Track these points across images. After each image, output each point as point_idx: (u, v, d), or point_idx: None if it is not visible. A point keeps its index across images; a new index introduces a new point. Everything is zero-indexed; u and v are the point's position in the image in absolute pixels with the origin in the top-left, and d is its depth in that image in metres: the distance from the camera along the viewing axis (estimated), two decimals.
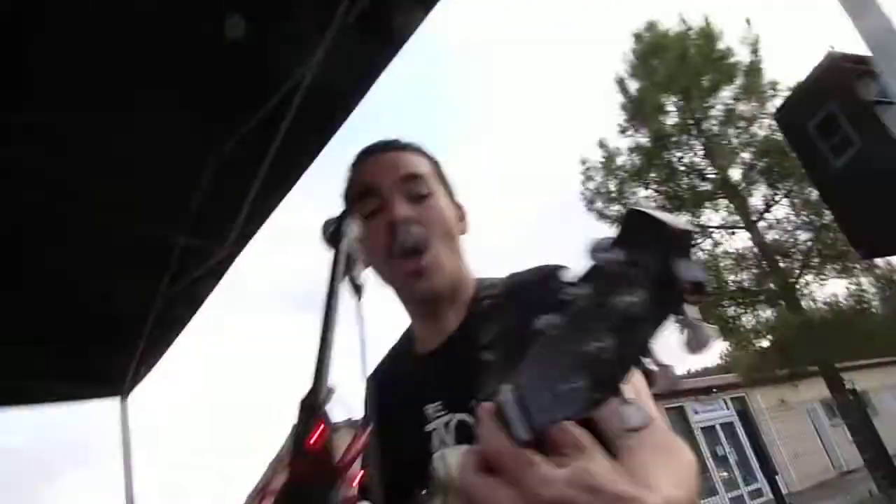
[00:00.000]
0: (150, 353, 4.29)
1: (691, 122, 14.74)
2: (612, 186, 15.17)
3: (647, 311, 0.47)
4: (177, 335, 4.11)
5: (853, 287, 14.50)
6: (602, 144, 15.49)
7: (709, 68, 14.41)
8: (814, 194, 13.14)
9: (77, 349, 4.12)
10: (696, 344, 0.47)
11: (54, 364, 4.14)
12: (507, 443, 0.61)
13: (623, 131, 15.24)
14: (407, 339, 1.41)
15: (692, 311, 0.47)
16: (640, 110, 14.78)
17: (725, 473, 19.56)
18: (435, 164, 1.38)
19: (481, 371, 1.17)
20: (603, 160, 15.41)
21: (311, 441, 0.66)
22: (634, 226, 0.49)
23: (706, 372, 33.26)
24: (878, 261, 13.62)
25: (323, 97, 2.88)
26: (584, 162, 15.55)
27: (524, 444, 0.60)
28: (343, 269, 1.13)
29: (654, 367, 0.49)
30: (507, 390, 0.63)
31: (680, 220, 0.48)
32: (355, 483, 0.71)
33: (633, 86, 15.35)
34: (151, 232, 3.27)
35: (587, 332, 0.51)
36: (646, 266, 0.47)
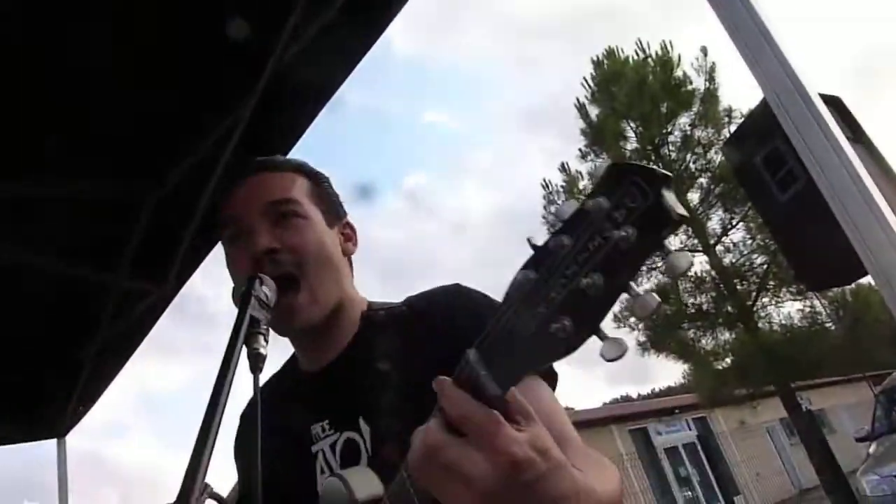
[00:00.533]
0: (89, 391, 4.15)
1: (650, 147, 15.03)
2: None
3: (636, 244, 0.53)
4: (116, 373, 3.98)
5: (807, 309, 14.85)
6: (564, 168, 15.69)
7: (667, 95, 14.73)
8: None
9: (11, 390, 3.97)
10: (674, 268, 0.53)
11: None
12: (474, 404, 0.64)
13: (584, 156, 15.47)
14: (292, 360, 1.34)
15: (671, 242, 0.53)
16: (600, 136, 15.03)
17: (689, 493, 19.72)
18: (314, 183, 1.29)
19: (375, 385, 1.13)
20: (565, 184, 15.59)
21: None
22: (614, 176, 0.55)
23: (669, 391, 33.66)
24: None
25: (261, 136, 2.85)
26: (546, 185, 15.73)
27: (493, 401, 0.64)
28: (244, 337, 1.07)
29: (634, 295, 0.54)
30: (471, 352, 0.66)
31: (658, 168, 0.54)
32: None
33: (594, 111, 15.61)
34: (87, 274, 3.16)
35: (571, 275, 0.56)
36: (633, 206, 0.53)
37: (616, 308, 0.60)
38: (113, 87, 2.47)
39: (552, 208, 15.45)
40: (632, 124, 15.06)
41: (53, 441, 4.61)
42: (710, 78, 14.88)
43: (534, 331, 0.58)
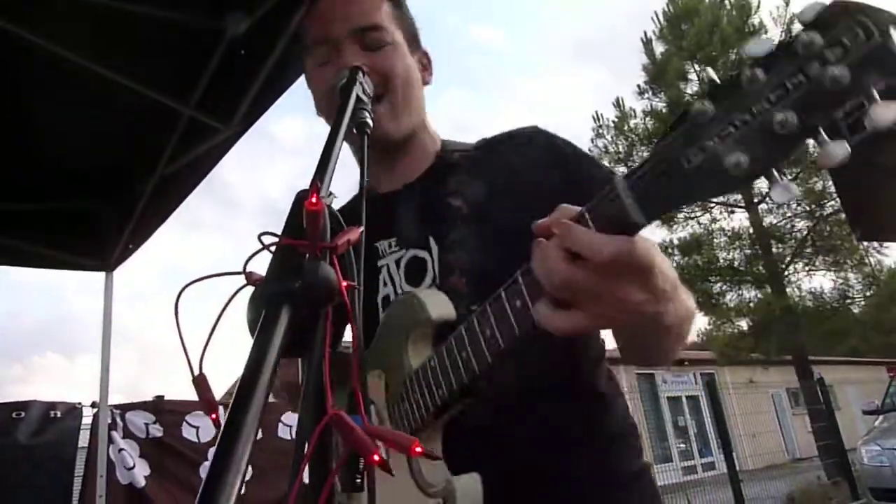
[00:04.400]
0: (142, 228, 4.22)
1: None
2: (622, 147, 15.06)
3: (845, 86, 0.48)
4: (170, 213, 4.03)
5: (840, 282, 14.63)
6: (618, 104, 15.29)
7: (739, 41, 14.09)
8: (819, 184, 13.10)
9: (66, 214, 4.05)
10: (876, 121, 0.48)
11: (39, 225, 4.05)
12: (620, 240, 0.64)
13: (641, 93, 15.05)
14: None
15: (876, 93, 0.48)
16: (661, 74, 14.53)
17: (683, 445, 20.09)
18: (396, 7, 1.29)
19: (445, 213, 1.18)
20: (616, 120, 15.23)
21: (312, 201, 0.63)
22: (835, 13, 0.49)
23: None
24: (869, 258, 13.70)
25: None
26: (596, 118, 15.38)
27: (632, 231, 0.63)
28: (351, 110, 1.08)
29: (821, 143, 0.51)
30: (620, 180, 0.64)
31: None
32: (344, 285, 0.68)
33: (659, 48, 15.07)
34: (158, 98, 3.17)
35: (759, 111, 0.52)
36: (851, 45, 0.48)
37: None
38: None
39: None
40: (697, 66, 14.51)
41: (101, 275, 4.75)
42: (788, 30, 14.17)
43: (700, 163, 0.57)
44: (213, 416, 0.76)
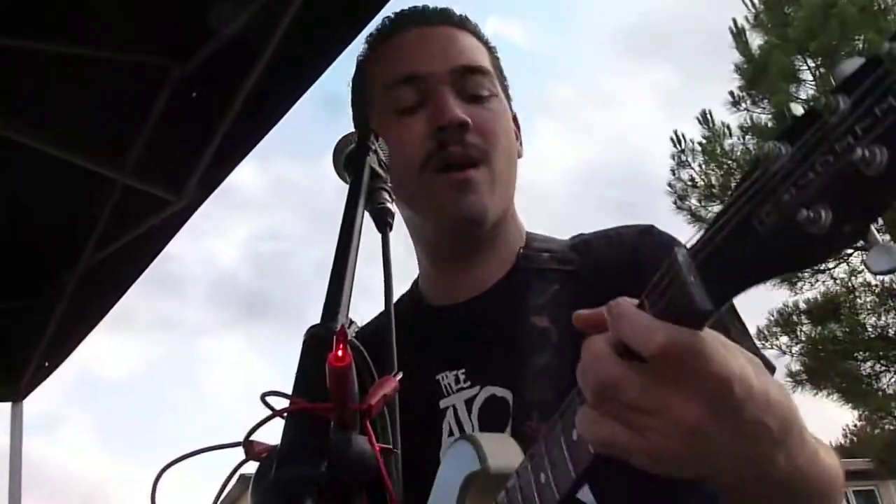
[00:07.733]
0: (62, 338, 4.26)
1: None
2: (715, 179, 15.06)
3: None
4: (101, 315, 4.07)
5: None
6: (704, 119, 15.39)
7: (864, 24, 14.25)
8: None
9: None
10: None
11: None
12: (678, 332, 0.66)
13: (736, 103, 15.12)
14: (415, 289, 1.41)
15: None
16: (762, 75, 14.67)
17: None
18: (495, 57, 1.36)
19: (528, 336, 1.19)
20: (704, 141, 15.31)
21: (338, 355, 0.67)
22: None
23: None
24: None
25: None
26: (677, 141, 15.47)
27: (698, 321, 0.66)
28: (366, 195, 1.12)
29: None
30: (680, 253, 0.67)
31: None
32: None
33: (756, 40, 15.26)
34: (81, 163, 3.22)
35: (843, 149, 0.52)
36: None
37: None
38: None
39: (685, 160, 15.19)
40: (810, 62, 14.66)
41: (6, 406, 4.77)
42: None
43: (774, 224, 0.57)
44: None
